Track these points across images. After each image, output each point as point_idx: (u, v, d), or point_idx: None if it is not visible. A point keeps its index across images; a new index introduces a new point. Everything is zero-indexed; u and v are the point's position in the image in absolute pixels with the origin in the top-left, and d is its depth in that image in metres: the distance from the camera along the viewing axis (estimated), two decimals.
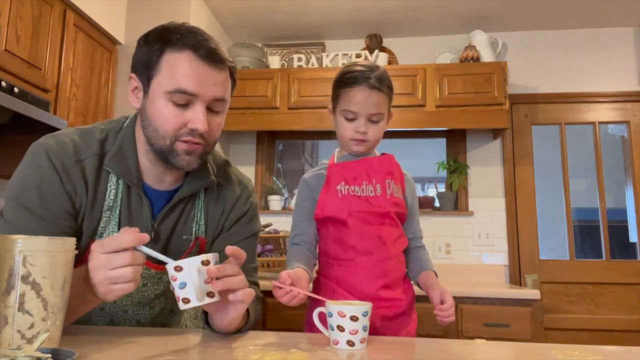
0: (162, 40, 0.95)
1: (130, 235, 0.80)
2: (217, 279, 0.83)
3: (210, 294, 0.81)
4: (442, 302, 1.24)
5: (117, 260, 0.79)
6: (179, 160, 0.96)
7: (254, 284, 1.16)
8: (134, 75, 0.99)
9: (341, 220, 1.29)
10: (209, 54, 0.94)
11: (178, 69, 0.93)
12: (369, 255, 1.27)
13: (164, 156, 0.97)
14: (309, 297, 1.34)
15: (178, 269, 0.81)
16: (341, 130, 1.33)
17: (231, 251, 0.87)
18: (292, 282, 1.01)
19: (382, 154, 1.41)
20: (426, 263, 1.39)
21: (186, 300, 0.80)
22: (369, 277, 1.26)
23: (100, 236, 1.00)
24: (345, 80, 1.31)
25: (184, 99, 0.93)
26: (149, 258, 1.04)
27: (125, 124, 1.05)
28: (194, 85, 0.92)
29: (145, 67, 0.96)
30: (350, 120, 1.31)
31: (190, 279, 0.80)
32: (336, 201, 1.30)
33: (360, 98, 1.28)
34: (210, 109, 0.97)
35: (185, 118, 0.94)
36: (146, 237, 0.81)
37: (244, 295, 0.86)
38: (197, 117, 0.93)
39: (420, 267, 1.38)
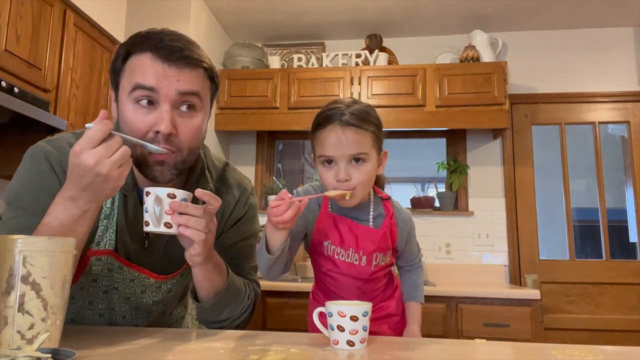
0: (127, 46, 0.94)
1: (106, 121, 0.81)
2: (180, 214, 0.86)
3: (167, 225, 0.87)
4: None
5: (113, 145, 0.81)
6: (151, 172, 0.93)
7: (252, 281, 1.16)
8: (111, 86, 0.99)
9: (323, 272, 1.26)
10: (170, 53, 0.90)
11: (137, 68, 0.91)
12: (350, 298, 1.23)
13: (140, 168, 0.95)
14: (309, 305, 1.35)
15: (147, 194, 0.87)
16: (323, 179, 1.16)
17: (200, 194, 0.87)
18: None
19: (379, 196, 1.27)
20: (416, 290, 1.36)
21: (146, 223, 0.87)
22: None
23: (98, 244, 0.99)
24: (318, 121, 1.16)
25: (145, 96, 0.90)
26: (149, 267, 1.04)
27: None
28: (152, 81, 0.89)
29: (113, 75, 0.96)
30: (329, 167, 1.13)
31: (152, 205, 0.86)
32: (322, 257, 1.25)
33: (332, 139, 1.11)
34: (181, 110, 0.93)
35: (147, 120, 0.90)
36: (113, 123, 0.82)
37: (192, 234, 0.86)
38: (160, 117, 0.90)
39: (409, 294, 1.36)
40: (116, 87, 0.96)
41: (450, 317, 2.48)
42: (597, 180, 3.25)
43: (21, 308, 0.69)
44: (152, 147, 0.89)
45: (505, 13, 3.18)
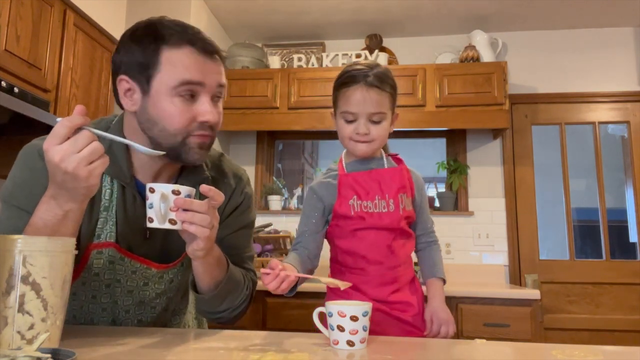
0: (155, 38, 0.94)
1: (76, 116, 0.78)
2: (185, 210, 0.86)
3: (172, 221, 0.87)
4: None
5: (80, 140, 0.77)
6: (192, 155, 0.96)
7: (250, 271, 1.17)
8: (125, 77, 0.96)
9: (352, 234, 1.29)
10: (207, 47, 0.95)
11: (180, 63, 0.93)
12: (379, 265, 1.28)
13: (176, 154, 0.96)
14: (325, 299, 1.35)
15: (151, 190, 0.87)
16: (341, 132, 1.30)
17: (205, 189, 0.88)
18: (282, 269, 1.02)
19: (389, 154, 1.39)
20: (435, 267, 1.38)
21: (150, 220, 0.87)
22: (379, 284, 1.28)
23: (98, 237, 1.00)
24: (343, 80, 1.28)
25: (190, 90, 0.93)
26: (150, 257, 1.04)
27: (113, 123, 1.04)
28: (199, 76, 0.94)
29: (141, 67, 0.94)
30: (350, 122, 1.26)
31: (157, 202, 0.86)
32: (348, 217, 1.28)
33: (358, 97, 1.24)
34: (213, 99, 0.98)
35: (192, 112, 0.94)
36: (88, 119, 0.80)
37: (197, 230, 0.87)
38: (205, 109, 0.94)
39: (429, 271, 1.38)
40: (146, 79, 0.94)
41: None
42: (597, 180, 3.25)
43: (21, 308, 0.69)
44: (142, 148, 0.89)
45: (505, 13, 3.17)
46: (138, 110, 0.96)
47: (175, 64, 0.93)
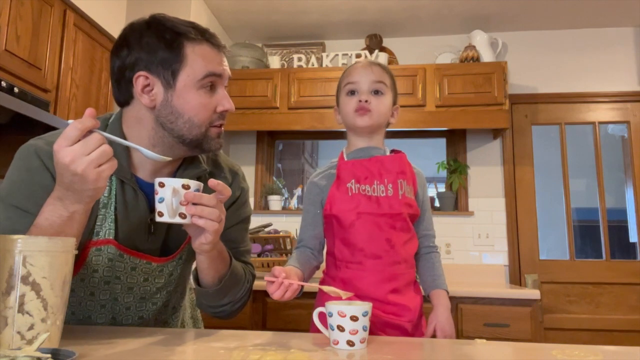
0: (177, 34, 0.97)
1: (87, 118, 0.79)
2: (194, 204, 0.87)
3: (182, 215, 0.88)
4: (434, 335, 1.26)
5: (91, 143, 0.78)
6: (214, 145, 1.01)
7: (248, 264, 1.19)
8: (144, 73, 0.96)
9: (349, 222, 1.25)
10: (218, 42, 1.02)
11: (203, 57, 0.98)
12: (377, 259, 1.24)
13: (197, 144, 1.00)
14: (316, 299, 1.34)
15: (161, 185, 0.88)
16: (344, 108, 1.34)
17: (214, 184, 0.89)
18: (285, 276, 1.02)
19: (392, 150, 1.38)
20: (439, 279, 1.35)
21: (160, 214, 0.88)
22: (377, 281, 1.23)
23: (97, 235, 1.00)
24: (349, 65, 1.39)
25: (211, 82, 0.99)
26: (150, 252, 1.04)
27: (111, 121, 1.05)
28: (220, 68, 1.00)
29: (165, 62, 0.96)
30: (352, 94, 1.33)
31: (168, 196, 0.87)
32: (346, 199, 1.26)
33: (360, 69, 1.33)
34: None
35: (213, 102, 0.99)
36: (98, 122, 0.81)
37: (206, 224, 0.88)
38: (224, 97, 1.01)
39: (432, 282, 1.35)
40: (171, 74, 0.96)
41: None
42: (597, 180, 3.25)
43: (21, 308, 0.69)
44: (150, 154, 0.89)
45: (505, 13, 3.18)
46: (159, 105, 0.97)
47: (200, 58, 0.97)
